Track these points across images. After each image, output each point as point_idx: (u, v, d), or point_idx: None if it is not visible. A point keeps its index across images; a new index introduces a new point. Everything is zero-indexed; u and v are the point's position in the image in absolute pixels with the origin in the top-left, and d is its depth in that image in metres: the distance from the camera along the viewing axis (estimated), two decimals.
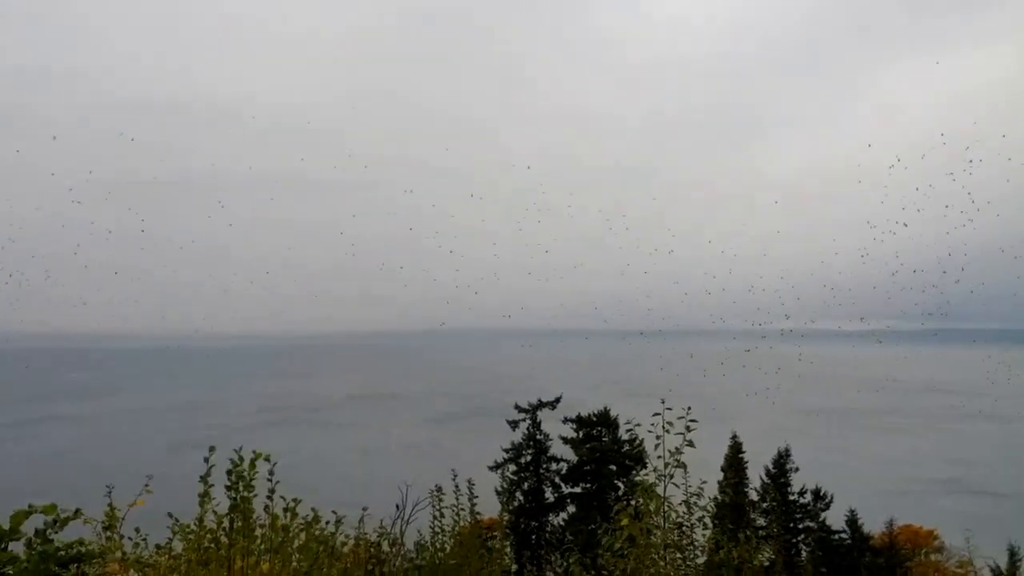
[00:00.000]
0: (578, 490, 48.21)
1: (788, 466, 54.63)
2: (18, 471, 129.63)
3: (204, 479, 9.96)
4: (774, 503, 53.52)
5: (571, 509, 47.86)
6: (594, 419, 49.09)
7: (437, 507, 13.53)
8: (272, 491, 10.48)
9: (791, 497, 53.69)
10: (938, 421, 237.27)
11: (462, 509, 14.40)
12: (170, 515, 10.74)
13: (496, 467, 48.76)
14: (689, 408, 12.99)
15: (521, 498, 47.97)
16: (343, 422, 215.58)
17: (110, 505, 9.97)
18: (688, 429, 12.70)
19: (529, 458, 48.73)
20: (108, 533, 9.76)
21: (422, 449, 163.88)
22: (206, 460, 10.02)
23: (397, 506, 12.28)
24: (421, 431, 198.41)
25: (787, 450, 55.39)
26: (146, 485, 9.74)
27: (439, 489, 13.86)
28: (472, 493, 14.86)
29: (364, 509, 11.40)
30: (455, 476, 14.85)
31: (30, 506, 8.88)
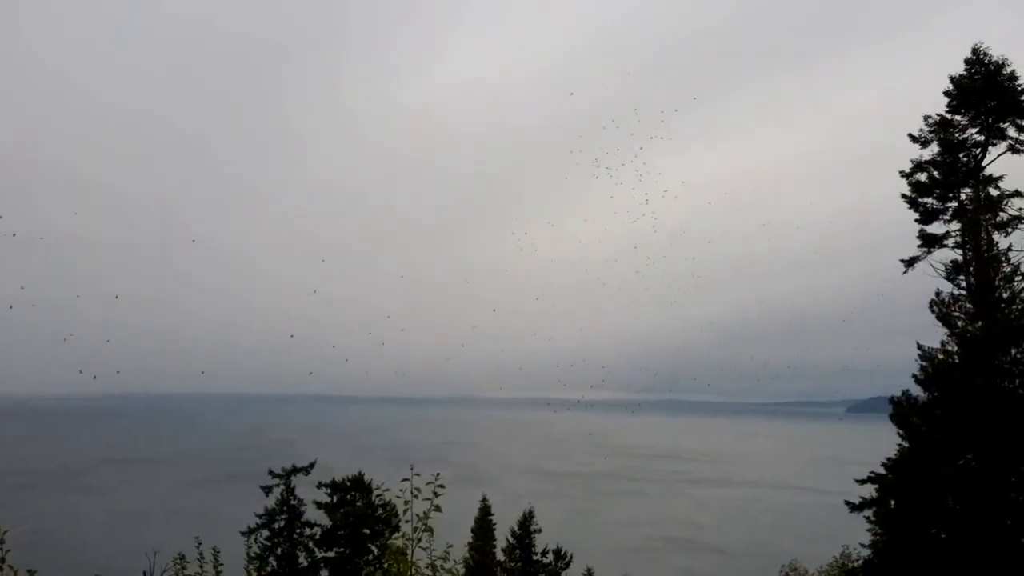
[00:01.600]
0: (332, 554, 47.29)
1: (532, 527, 55.97)
2: None
3: None
4: (518, 563, 54.59)
5: (324, 574, 46.83)
6: (348, 484, 48.48)
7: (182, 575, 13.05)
8: (2, 560, 9.86)
9: (535, 557, 54.95)
10: (673, 485, 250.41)
11: None
12: None
13: (249, 532, 47.06)
14: (438, 474, 13.30)
15: (274, 563, 46.46)
16: (96, 487, 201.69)
17: None
18: (435, 494, 12.98)
19: (283, 523, 47.35)
20: None
21: (177, 515, 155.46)
22: None
23: (144, 572, 11.77)
24: (178, 497, 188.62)
25: (531, 512, 56.84)
26: None
27: (182, 557, 13.39)
28: (217, 560, 14.39)
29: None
30: (199, 544, 14.34)
31: None
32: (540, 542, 56.09)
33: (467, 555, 54.29)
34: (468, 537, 55.17)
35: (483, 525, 55.34)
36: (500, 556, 55.38)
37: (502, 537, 56.21)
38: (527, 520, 56.34)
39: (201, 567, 14.49)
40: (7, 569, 9.93)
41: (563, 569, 54.78)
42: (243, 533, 47.32)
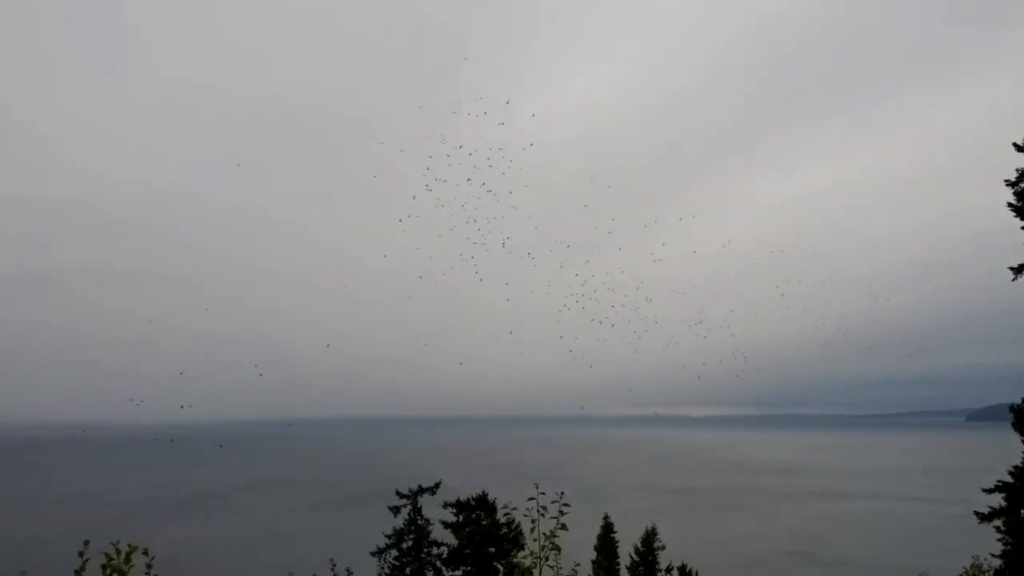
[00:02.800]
0: (459, 573, 47.29)
1: (655, 544, 54.94)
2: None
3: (78, 573, 9.43)
4: None
5: None
6: (473, 503, 48.50)
7: None
8: None
9: (659, 573, 53.90)
10: (793, 499, 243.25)
11: None
12: None
13: (378, 553, 47.50)
14: (562, 493, 13.00)
15: None
16: (232, 511, 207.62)
17: None
18: (561, 512, 12.67)
19: (410, 543, 47.62)
20: None
21: (308, 536, 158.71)
22: (80, 555, 9.49)
23: None
24: (307, 518, 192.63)
25: (654, 528, 55.84)
26: None
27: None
28: None
29: None
30: (334, 565, 14.38)
31: None
32: (663, 559, 55.03)
33: (592, 572, 53.60)
34: (591, 555, 54.43)
35: (606, 542, 54.61)
36: (624, 573, 54.55)
37: (625, 554, 55.39)
38: (650, 537, 55.37)
39: None
40: None
41: None
42: (373, 553, 47.85)
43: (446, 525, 48.30)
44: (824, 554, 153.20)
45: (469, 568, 47.02)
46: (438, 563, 47.71)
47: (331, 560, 15.20)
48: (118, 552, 9.61)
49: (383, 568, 46.98)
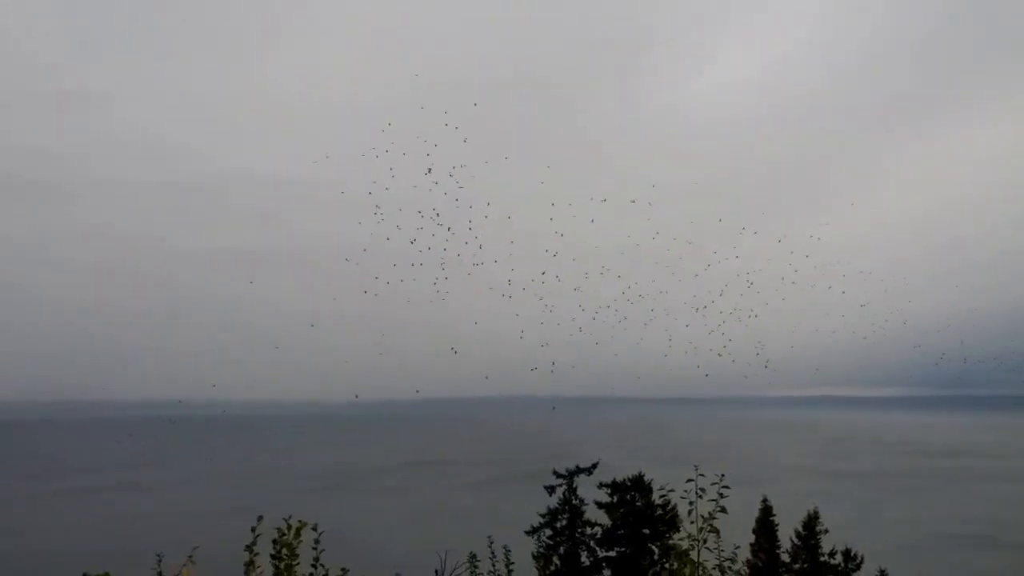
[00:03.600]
0: (613, 554, 47.18)
1: (818, 528, 53.18)
2: (70, 539, 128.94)
3: (250, 548, 9.80)
4: (805, 565, 52.02)
5: (606, 573, 46.79)
6: (628, 484, 48.23)
7: (474, 573, 13.18)
8: (317, 559, 10.26)
9: (822, 559, 52.18)
10: (960, 482, 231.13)
11: (498, 575, 14.05)
12: None
13: (532, 532, 47.94)
14: (723, 475, 12.67)
15: (557, 562, 47.01)
16: (393, 488, 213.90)
17: (159, 573, 9.77)
18: (721, 495, 12.36)
19: (565, 523, 47.83)
20: None
21: (464, 514, 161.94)
22: (253, 529, 9.85)
23: (436, 572, 11.98)
24: (464, 496, 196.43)
25: (816, 512, 54.01)
26: (190, 556, 9.55)
27: (474, 557, 13.50)
28: (508, 559, 14.49)
29: (397, 574, 11.08)
30: (491, 543, 14.51)
31: (85, 574, 8.75)
32: (826, 543, 53.28)
33: (750, 556, 52.46)
34: (750, 538, 53.23)
35: (765, 526, 53.25)
36: (785, 558, 53.13)
37: (785, 538, 53.92)
38: (812, 521, 53.66)
39: (493, 566, 14.60)
40: (320, 568, 10.28)
41: (853, 571, 51.58)
42: (527, 532, 48.37)
43: (600, 505, 48.26)
44: (1006, 538, 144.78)
45: (623, 549, 46.85)
46: (591, 543, 47.75)
47: (488, 537, 15.31)
48: (289, 527, 9.96)
49: (539, 546, 47.44)
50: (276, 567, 9.74)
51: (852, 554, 52.36)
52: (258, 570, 9.78)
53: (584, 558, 47.60)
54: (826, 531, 53.62)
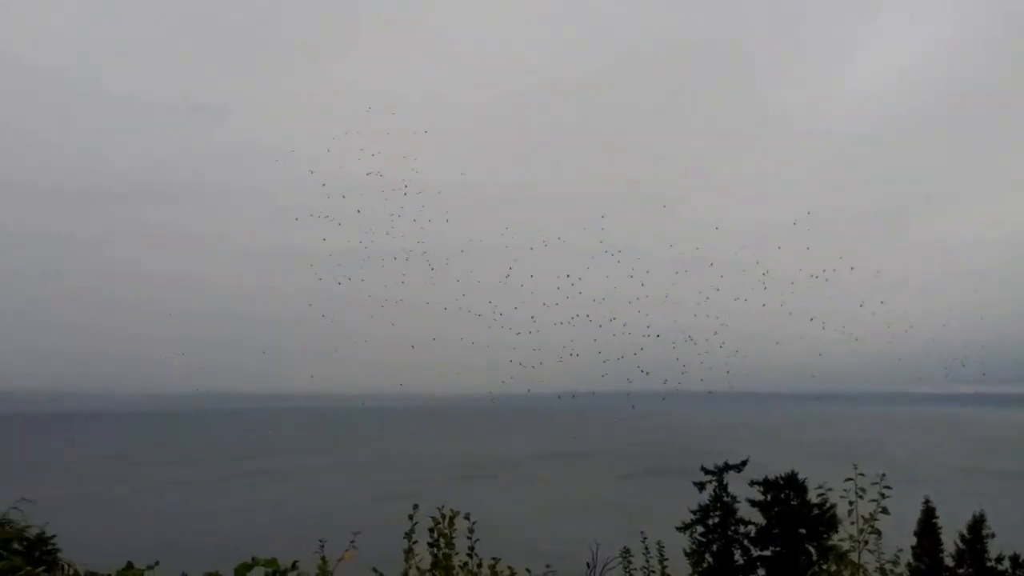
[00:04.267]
0: (767, 553, 46.12)
1: (984, 532, 50.41)
2: (236, 524, 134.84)
3: (408, 536, 10.07)
4: (971, 570, 49.43)
5: (760, 573, 45.79)
6: (781, 482, 47.03)
7: (627, 569, 13.12)
8: (472, 549, 10.44)
9: (988, 564, 49.46)
10: None
11: (652, 572, 13.92)
12: (375, 570, 10.78)
13: (684, 528, 47.38)
14: (883, 475, 12.17)
15: (710, 559, 46.32)
16: (533, 480, 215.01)
17: (322, 558, 10.13)
18: (882, 495, 11.88)
19: (717, 520, 47.08)
20: None
21: (610, 508, 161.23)
22: (410, 517, 10.12)
23: (588, 564, 11.97)
24: (609, 490, 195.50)
25: (982, 515, 51.20)
26: (352, 541, 9.85)
27: (627, 551, 13.40)
28: (662, 555, 14.33)
29: (547, 567, 11.15)
30: (644, 538, 14.37)
31: (253, 559, 9.15)
32: (993, 548, 50.44)
33: (912, 560, 50.24)
34: (910, 540, 50.93)
35: (927, 528, 50.90)
36: (949, 562, 50.62)
37: (948, 542, 51.39)
38: (978, 524, 50.93)
39: (647, 561, 14.47)
40: (475, 556, 10.44)
41: None
42: (679, 528, 47.81)
43: (753, 503, 47.26)
44: None
45: (778, 548, 45.73)
46: (745, 541, 46.82)
47: (641, 532, 15.20)
48: (443, 516, 10.20)
49: (692, 543, 46.88)
50: (434, 555, 9.99)
51: (1021, 560, 49.42)
52: (416, 557, 10.05)
53: (737, 556, 46.74)
54: (993, 535, 50.80)
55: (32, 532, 10.34)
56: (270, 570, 9.01)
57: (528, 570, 11.20)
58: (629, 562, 13.34)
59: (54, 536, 10.31)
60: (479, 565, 10.46)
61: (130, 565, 8.54)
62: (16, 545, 9.89)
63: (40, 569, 8.12)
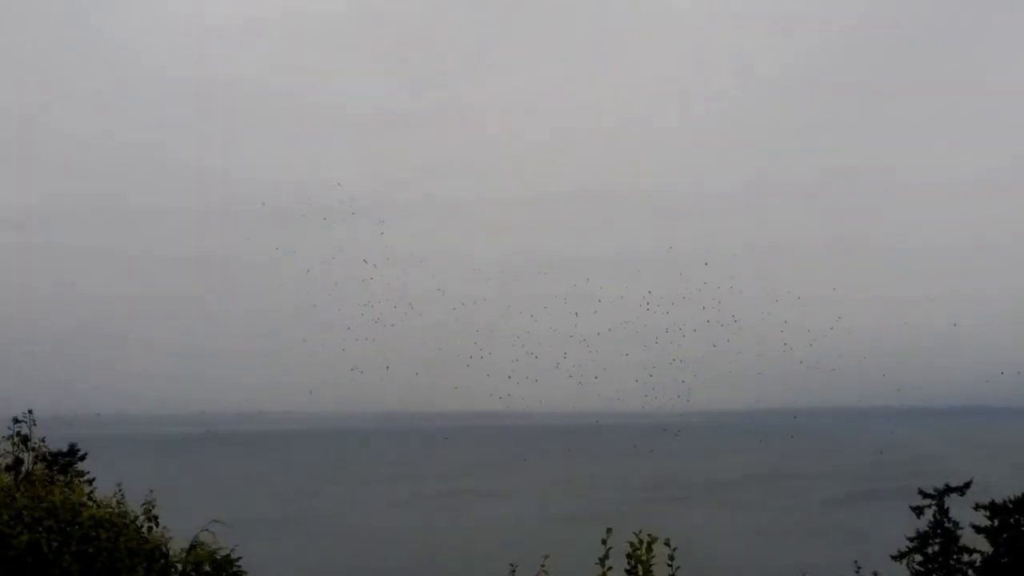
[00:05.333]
0: None
1: None
2: (423, 545, 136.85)
3: (602, 561, 9.71)
4: None
5: None
6: (1010, 505, 43.40)
7: None
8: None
9: None
10: None
11: None
12: None
13: (900, 557, 44.55)
14: None
15: None
16: (739, 502, 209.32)
17: None
18: None
19: (937, 548, 43.99)
20: None
21: (818, 533, 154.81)
22: (603, 542, 9.77)
23: None
24: (815, 513, 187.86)
25: None
26: (543, 565, 9.62)
27: None
28: None
29: None
30: (858, 568, 13.34)
31: None
32: None
33: None
34: None
35: None
36: None
37: None
38: None
39: None
40: None
41: None
42: (894, 557, 44.98)
43: (978, 530, 43.85)
44: None
45: None
46: (970, 572, 43.53)
47: (855, 563, 14.19)
48: (640, 542, 9.77)
49: (910, 573, 44.06)
50: None
51: None
52: None
53: None
54: None
55: (222, 554, 10.73)
56: None
57: None
58: None
59: (240, 558, 10.60)
60: None
61: None
62: (207, 567, 10.28)
63: None
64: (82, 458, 12.11)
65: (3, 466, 11.88)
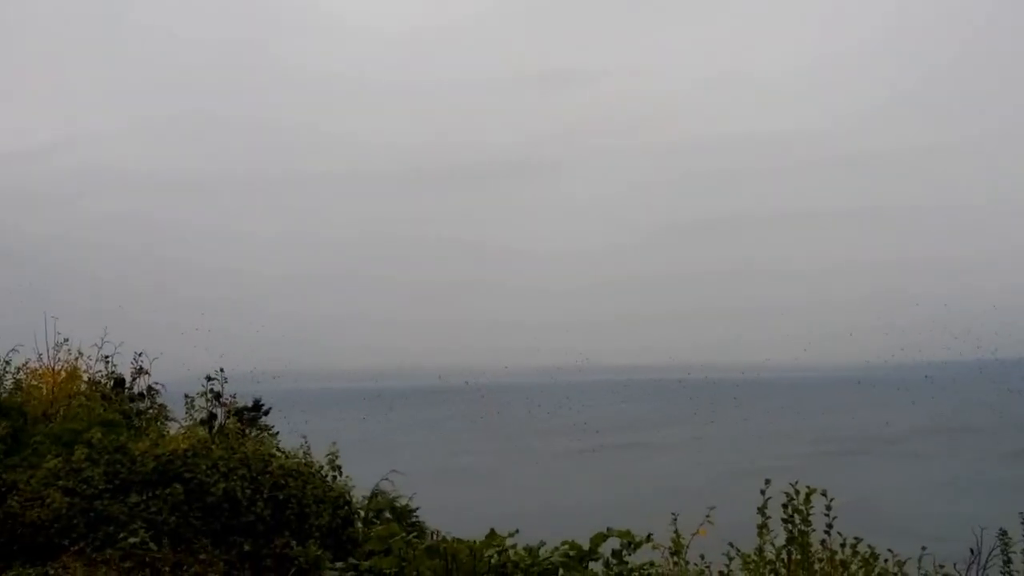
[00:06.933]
0: None
1: None
2: (591, 495, 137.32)
3: (761, 511, 9.89)
4: None
5: None
6: None
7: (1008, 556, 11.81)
8: (830, 526, 10.04)
9: None
10: None
11: None
12: (730, 544, 10.66)
13: None
14: None
15: None
16: (906, 456, 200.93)
17: (676, 531, 10.21)
18: None
19: None
20: (675, 558, 10.01)
21: (998, 490, 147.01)
22: (762, 492, 9.92)
23: (971, 551, 11.01)
24: (998, 468, 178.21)
25: None
26: (707, 516, 9.85)
27: (1004, 533, 11.96)
28: None
29: (923, 548, 10.35)
30: None
31: (608, 530, 9.49)
32: None
33: None
34: None
35: None
36: None
37: None
38: None
39: None
40: (835, 535, 10.06)
41: None
42: None
43: None
44: None
45: None
46: None
47: (1021, 514, 13.60)
48: (797, 492, 9.88)
49: None
50: (789, 531, 9.74)
51: None
52: (771, 533, 9.85)
53: None
54: None
55: (401, 502, 11.47)
56: (625, 541, 9.30)
57: (890, 550, 10.48)
58: (1008, 546, 11.97)
59: (418, 508, 11.37)
60: (842, 545, 10.00)
61: (493, 533, 9.21)
62: (387, 514, 11.06)
63: (412, 535, 9.01)
64: (266, 412, 13.14)
65: (199, 420, 13.00)
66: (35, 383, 13.36)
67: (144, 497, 9.98)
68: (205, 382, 13.22)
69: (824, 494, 10.05)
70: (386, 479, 11.42)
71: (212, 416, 12.93)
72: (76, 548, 9.30)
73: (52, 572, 8.86)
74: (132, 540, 9.15)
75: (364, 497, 11.31)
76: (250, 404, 13.78)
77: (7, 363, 13.81)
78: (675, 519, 10.43)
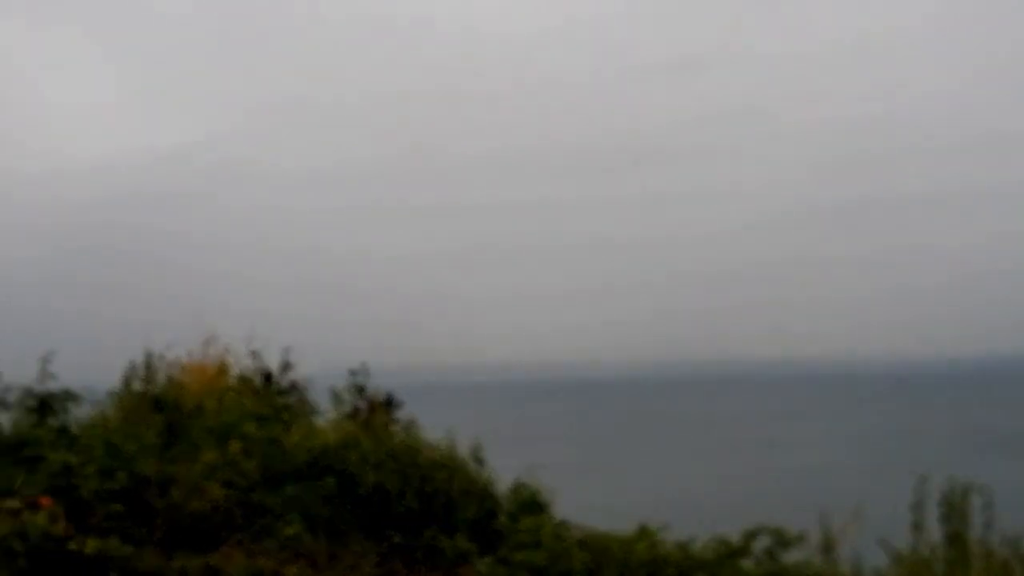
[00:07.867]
0: None
1: None
2: (742, 491, 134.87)
3: (915, 508, 9.65)
4: None
5: None
6: None
7: None
8: (987, 524, 9.73)
9: None
10: None
11: None
12: (884, 540, 10.43)
13: None
14: None
15: None
16: None
17: (826, 529, 10.05)
18: None
19: None
20: (826, 556, 9.85)
21: None
22: (916, 490, 9.69)
23: None
24: None
25: None
26: (855, 513, 9.67)
27: None
28: None
29: None
30: None
31: (759, 526, 9.42)
32: None
33: None
34: None
35: None
36: None
37: None
38: None
39: None
40: (995, 532, 9.75)
41: None
42: None
43: None
44: None
45: None
46: None
47: None
48: (953, 490, 9.61)
49: None
50: (945, 530, 9.50)
51: None
52: (926, 532, 9.61)
53: None
54: None
55: (541, 495, 11.55)
56: (776, 538, 9.21)
57: None
58: None
59: (556, 502, 11.47)
60: (1003, 544, 9.66)
61: (644, 527, 9.24)
62: (530, 507, 11.17)
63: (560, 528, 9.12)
64: (398, 406, 13.38)
65: (345, 414, 13.34)
66: (187, 379, 13.88)
67: (297, 489, 10.29)
68: (348, 376, 13.55)
69: (981, 492, 9.76)
70: (527, 471, 11.53)
71: (357, 410, 13.25)
72: (235, 539, 9.60)
73: (214, 562, 9.18)
74: (289, 531, 9.48)
75: (508, 488, 11.44)
76: (383, 399, 14.03)
77: (161, 358, 14.37)
78: (825, 516, 10.25)
